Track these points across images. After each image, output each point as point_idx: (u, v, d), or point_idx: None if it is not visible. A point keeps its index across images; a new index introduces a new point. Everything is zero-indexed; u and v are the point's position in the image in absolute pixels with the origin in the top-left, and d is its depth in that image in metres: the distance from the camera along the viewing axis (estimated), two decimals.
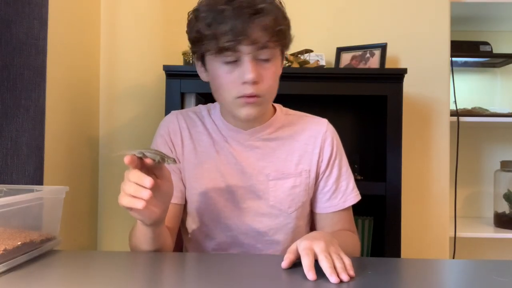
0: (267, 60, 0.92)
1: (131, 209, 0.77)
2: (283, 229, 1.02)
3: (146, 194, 0.73)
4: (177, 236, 1.05)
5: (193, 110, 1.09)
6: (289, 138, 1.05)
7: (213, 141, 1.03)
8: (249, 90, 0.90)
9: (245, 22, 0.86)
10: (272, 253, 1.03)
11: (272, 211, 1.01)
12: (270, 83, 0.93)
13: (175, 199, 0.99)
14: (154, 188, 0.75)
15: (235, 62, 0.91)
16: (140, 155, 0.77)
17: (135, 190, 0.74)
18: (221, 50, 0.89)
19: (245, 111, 0.93)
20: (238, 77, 0.90)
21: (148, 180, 0.73)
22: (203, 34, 0.89)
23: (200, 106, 1.10)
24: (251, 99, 0.92)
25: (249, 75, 0.89)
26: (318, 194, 1.06)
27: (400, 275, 0.83)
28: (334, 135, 1.07)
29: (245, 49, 0.89)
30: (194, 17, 0.93)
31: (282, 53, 0.99)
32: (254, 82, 0.90)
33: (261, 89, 0.92)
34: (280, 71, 0.99)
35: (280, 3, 0.95)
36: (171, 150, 1.03)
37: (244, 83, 0.90)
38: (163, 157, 0.78)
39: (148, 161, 0.77)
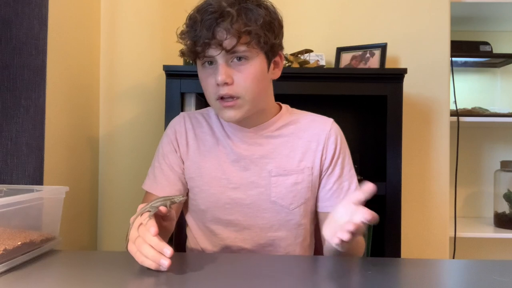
0: (242, 62, 0.95)
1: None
2: (285, 225, 1.03)
3: (167, 263, 0.72)
4: (179, 235, 1.06)
5: (201, 111, 1.13)
6: (292, 136, 1.06)
7: (216, 140, 1.06)
8: (223, 91, 0.95)
9: (211, 26, 0.91)
10: (275, 249, 1.04)
11: (273, 207, 1.02)
12: (246, 84, 0.95)
13: (164, 194, 1.02)
14: (161, 229, 0.78)
15: (213, 65, 0.96)
16: (153, 210, 0.80)
17: (153, 255, 0.73)
18: (195, 56, 0.95)
19: (226, 114, 0.97)
20: (214, 80, 0.95)
21: (169, 250, 0.73)
22: (184, 42, 0.96)
23: (209, 107, 1.13)
24: (229, 103, 0.96)
25: (219, 77, 0.93)
26: (320, 192, 1.06)
27: (400, 275, 0.83)
28: (339, 134, 1.08)
29: (213, 53, 0.93)
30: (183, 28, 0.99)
31: (268, 54, 0.98)
32: (226, 83, 0.94)
33: (236, 90, 0.95)
34: (262, 72, 0.97)
35: (260, 5, 0.95)
36: (175, 150, 1.07)
37: (218, 85, 0.94)
38: (172, 200, 0.82)
39: (163, 209, 0.81)
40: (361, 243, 1.04)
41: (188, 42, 0.94)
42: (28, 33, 1.03)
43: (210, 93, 0.97)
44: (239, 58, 0.94)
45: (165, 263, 0.72)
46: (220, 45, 0.91)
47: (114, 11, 1.67)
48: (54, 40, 1.26)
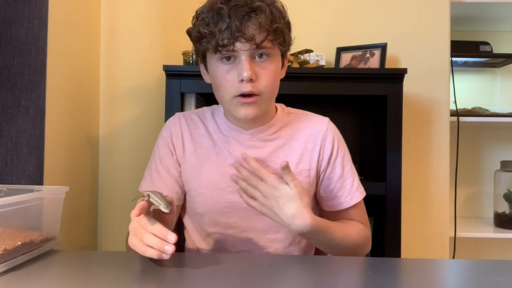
0: (265, 59, 0.94)
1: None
2: (283, 227, 1.02)
3: (171, 249, 0.72)
4: (178, 236, 1.06)
5: (196, 112, 1.11)
6: (289, 138, 1.05)
7: (213, 143, 1.04)
8: (246, 88, 0.92)
9: (241, 20, 0.88)
10: (273, 251, 1.04)
11: None
12: (268, 82, 0.94)
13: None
14: (161, 223, 0.78)
15: (233, 60, 0.93)
16: (146, 197, 0.81)
17: (157, 243, 0.73)
18: (218, 48, 0.91)
19: (244, 111, 0.95)
20: (235, 75, 0.92)
21: (173, 237, 0.73)
22: (203, 33, 0.92)
23: (205, 108, 1.11)
24: (249, 99, 0.93)
25: (245, 73, 0.90)
26: (324, 192, 1.06)
27: (400, 275, 0.83)
28: (336, 133, 1.07)
29: (241, 47, 0.90)
30: (196, 18, 0.95)
31: (283, 54, 0.99)
32: (251, 80, 0.91)
33: (258, 88, 0.93)
34: (279, 71, 0.99)
35: (278, 2, 0.96)
36: (171, 152, 1.06)
37: (241, 81, 0.91)
38: (166, 204, 0.80)
39: (160, 209, 0.80)
40: (355, 232, 1.04)
41: (214, 33, 0.89)
42: (28, 33, 1.03)
43: (229, 90, 0.93)
44: (260, 55, 0.93)
45: (169, 249, 0.72)
46: (251, 39, 0.89)
47: (114, 11, 1.67)
48: (54, 40, 1.26)
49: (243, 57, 0.91)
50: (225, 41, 0.89)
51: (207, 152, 1.04)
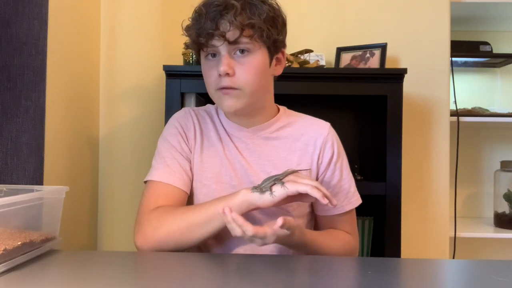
0: (245, 54, 0.96)
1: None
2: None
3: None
4: None
5: (203, 108, 1.14)
6: (290, 138, 1.06)
7: (219, 138, 1.07)
8: (224, 82, 0.96)
9: (215, 18, 0.93)
10: (271, 249, 1.03)
11: (271, 208, 1.02)
12: (247, 77, 0.96)
13: (181, 185, 1.02)
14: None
15: (216, 58, 0.98)
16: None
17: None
18: (198, 47, 0.98)
19: (226, 102, 0.99)
20: (216, 71, 0.97)
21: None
22: (188, 34, 0.99)
23: (209, 105, 1.14)
24: (228, 90, 0.97)
25: (221, 68, 0.94)
26: None
27: (400, 275, 0.83)
28: (336, 139, 1.09)
29: (216, 43, 0.95)
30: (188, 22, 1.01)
31: (270, 49, 1.00)
32: (227, 74, 0.95)
33: (236, 82, 0.96)
34: (264, 66, 0.99)
35: (264, 2, 0.97)
36: (185, 141, 1.07)
37: (220, 75, 0.96)
38: (277, 179, 0.89)
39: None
40: (339, 243, 1.05)
41: (193, 33, 0.96)
42: (28, 33, 1.03)
43: (211, 85, 0.98)
44: (242, 51, 0.96)
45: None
46: (223, 36, 0.93)
47: (114, 11, 1.67)
48: (54, 40, 1.26)
49: (222, 53, 0.96)
50: (202, 40, 0.95)
51: (215, 145, 1.06)
